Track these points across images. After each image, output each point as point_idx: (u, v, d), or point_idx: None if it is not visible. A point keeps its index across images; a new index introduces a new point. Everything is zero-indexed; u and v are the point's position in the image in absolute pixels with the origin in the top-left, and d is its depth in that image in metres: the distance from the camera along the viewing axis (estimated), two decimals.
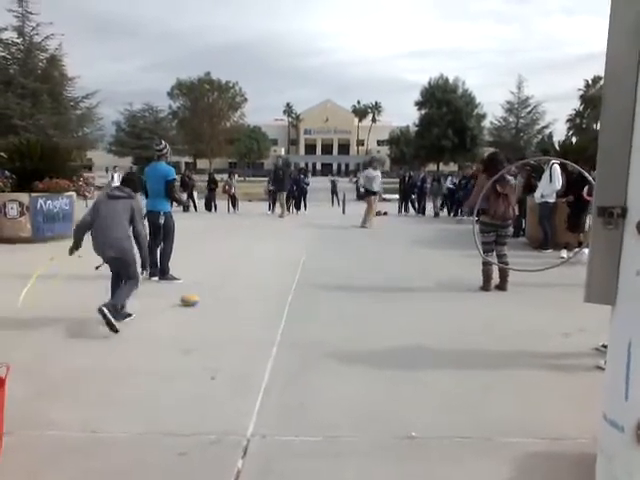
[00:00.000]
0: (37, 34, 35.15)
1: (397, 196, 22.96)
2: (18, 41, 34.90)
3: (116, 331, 4.95)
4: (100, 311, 4.92)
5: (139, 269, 5.59)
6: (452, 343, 5.00)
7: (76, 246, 5.51)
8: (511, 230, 7.36)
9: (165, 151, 7.78)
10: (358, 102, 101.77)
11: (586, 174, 5.88)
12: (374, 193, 15.28)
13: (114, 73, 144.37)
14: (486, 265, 7.17)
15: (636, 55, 2.18)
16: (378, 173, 15.67)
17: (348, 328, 5.44)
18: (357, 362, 4.46)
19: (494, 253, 7.18)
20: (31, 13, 34.69)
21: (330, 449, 3.08)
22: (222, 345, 4.85)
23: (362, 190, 16.06)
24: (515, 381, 4.10)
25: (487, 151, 37.25)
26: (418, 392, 3.88)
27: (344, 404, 3.65)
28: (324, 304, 6.38)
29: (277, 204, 19.83)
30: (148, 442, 3.14)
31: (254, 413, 3.49)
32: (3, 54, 34.75)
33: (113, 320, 4.95)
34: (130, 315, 5.55)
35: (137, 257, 5.53)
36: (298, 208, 21.96)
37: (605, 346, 4.51)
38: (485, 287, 7.19)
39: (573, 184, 10.04)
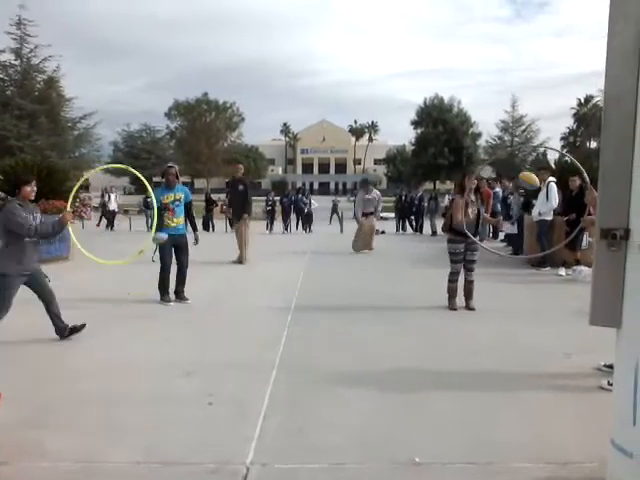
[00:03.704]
0: (35, 56, 35.49)
1: (393, 215, 22.98)
2: (16, 63, 35.20)
3: None
4: None
5: None
6: (452, 364, 4.94)
7: None
8: (477, 255, 7.23)
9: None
10: (355, 122, 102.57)
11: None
12: (368, 214, 13.92)
13: (112, 94, 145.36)
14: (451, 282, 7.21)
15: (635, 76, 2.18)
16: (374, 195, 14.26)
17: (347, 350, 5.37)
18: (358, 385, 4.39)
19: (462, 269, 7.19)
20: (29, 35, 35.05)
21: (333, 477, 3.01)
22: (221, 368, 4.78)
23: (357, 216, 14.13)
24: (518, 403, 4.04)
25: (483, 169, 37.42)
26: (420, 416, 3.82)
27: (346, 429, 3.58)
28: (322, 326, 6.32)
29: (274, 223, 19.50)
30: (146, 472, 3.06)
31: (254, 439, 3.42)
32: (1, 76, 35.02)
33: None
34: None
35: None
36: (304, 228, 22.05)
37: (607, 366, 4.48)
38: (451, 305, 7.20)
39: (573, 202, 10.03)
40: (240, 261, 11.35)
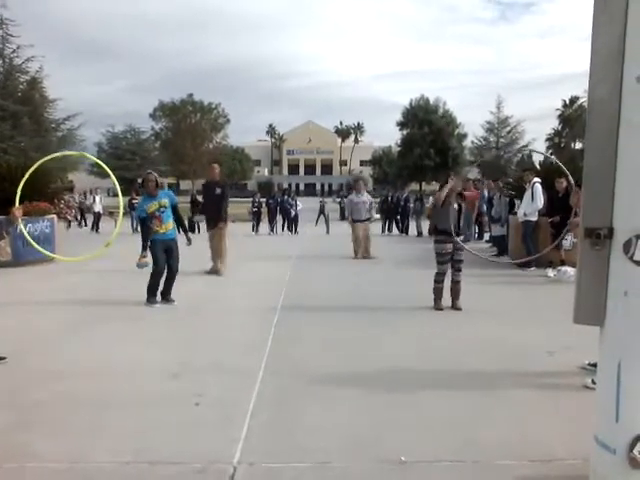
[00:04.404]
0: (17, 56, 35.05)
1: (379, 216, 23.04)
2: None
3: None
4: None
5: None
6: (438, 365, 4.98)
7: None
8: (463, 254, 7.29)
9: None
10: (340, 123, 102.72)
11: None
12: (363, 221, 13.10)
13: (96, 95, 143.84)
14: (437, 283, 7.26)
15: (619, 76, 2.21)
16: (364, 198, 13.39)
17: (334, 352, 5.39)
18: (344, 386, 4.41)
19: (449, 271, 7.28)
20: (11, 35, 34.62)
21: (319, 476, 3.02)
22: (208, 370, 4.77)
23: (348, 218, 13.36)
24: (504, 402, 4.08)
25: (471, 171, 37.61)
26: (406, 415, 3.84)
27: (332, 429, 3.59)
28: (309, 327, 6.33)
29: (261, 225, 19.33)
30: (134, 472, 3.05)
31: (241, 440, 3.42)
32: None
33: None
34: None
35: None
36: (290, 230, 22.04)
37: (591, 364, 4.53)
38: (436, 305, 7.24)
39: (559, 203, 10.13)
40: (215, 272, 10.14)
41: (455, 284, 7.27)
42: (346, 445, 3.37)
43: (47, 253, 6.01)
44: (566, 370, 4.71)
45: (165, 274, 7.54)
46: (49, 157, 6.17)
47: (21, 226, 6.03)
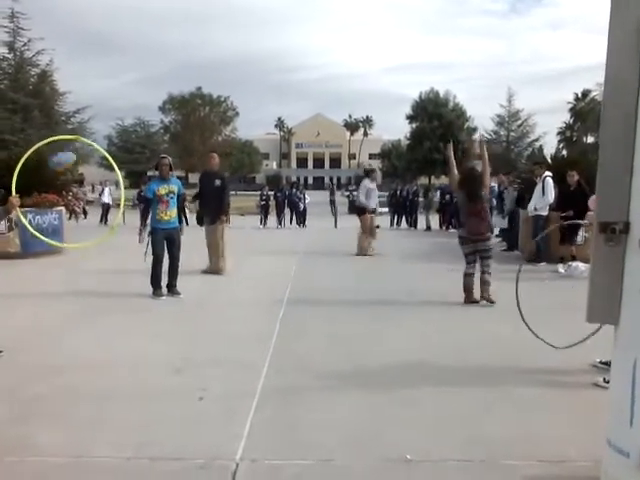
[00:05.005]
0: (28, 49, 35.00)
1: (387, 209, 22.93)
2: (9, 56, 34.77)
3: None
4: None
5: None
6: (445, 360, 4.90)
7: None
8: (490, 244, 7.34)
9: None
10: (349, 116, 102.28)
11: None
12: (372, 211, 12.51)
13: (105, 88, 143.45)
14: (467, 277, 7.16)
15: (637, 68, 2.12)
16: (374, 185, 12.77)
17: (340, 347, 5.32)
18: (349, 382, 4.35)
19: (477, 266, 7.20)
20: (22, 29, 34.53)
21: (322, 473, 2.97)
22: (212, 364, 4.72)
23: (361, 203, 12.42)
24: (512, 399, 4.00)
25: (478, 164, 37.34)
26: (412, 412, 3.77)
27: (336, 426, 3.53)
28: (315, 322, 6.27)
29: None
30: (136, 468, 3.01)
31: (243, 436, 3.37)
32: None
33: None
34: None
35: None
36: (298, 223, 21.97)
37: (603, 362, 4.44)
38: (468, 299, 7.14)
39: (570, 197, 10.00)
40: (216, 272, 9.31)
41: (483, 274, 7.20)
42: (349, 442, 3.31)
43: (50, 242, 5.99)
44: (576, 368, 4.61)
45: (168, 265, 7.52)
46: (45, 142, 6.08)
47: (20, 214, 5.95)
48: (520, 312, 4.72)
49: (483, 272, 7.16)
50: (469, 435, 3.40)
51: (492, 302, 7.04)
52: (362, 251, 12.18)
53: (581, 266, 8.93)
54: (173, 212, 7.50)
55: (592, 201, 4.65)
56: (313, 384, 4.29)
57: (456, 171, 7.39)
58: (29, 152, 5.60)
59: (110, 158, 6.92)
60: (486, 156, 7.45)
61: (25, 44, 34.82)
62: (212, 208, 9.49)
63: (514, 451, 3.19)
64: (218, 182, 9.42)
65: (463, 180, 7.24)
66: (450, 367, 4.72)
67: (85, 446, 3.21)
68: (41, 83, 35.82)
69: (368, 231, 12.35)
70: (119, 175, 6.85)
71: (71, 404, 3.85)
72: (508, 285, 8.47)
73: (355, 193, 22.11)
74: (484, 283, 7.15)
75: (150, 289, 7.37)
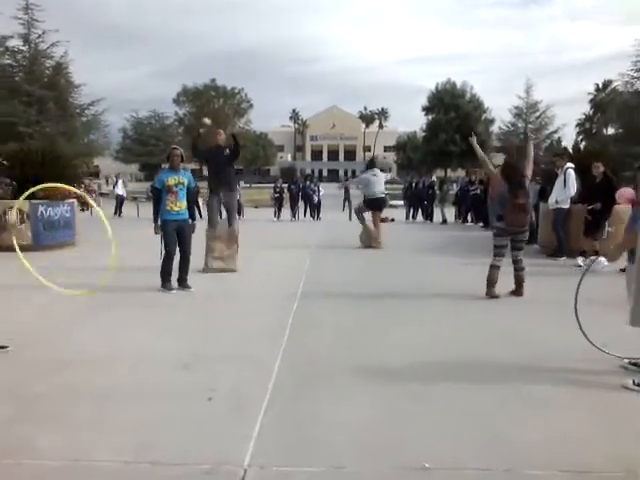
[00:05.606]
0: (43, 41, 35.20)
1: (402, 202, 22.69)
2: (24, 49, 34.97)
3: None
4: None
5: None
6: (461, 357, 4.69)
7: None
8: (527, 235, 7.17)
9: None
10: (365, 108, 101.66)
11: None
12: (379, 207, 12.36)
13: (119, 81, 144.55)
14: (492, 269, 6.96)
15: None
16: (374, 176, 12.40)
17: (353, 343, 5.14)
18: (363, 381, 4.15)
19: (503, 259, 7.02)
20: (37, 21, 34.74)
21: None
22: (222, 360, 4.57)
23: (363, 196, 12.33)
24: (535, 401, 3.77)
25: (495, 157, 36.86)
26: (430, 415, 3.57)
27: (349, 429, 3.34)
28: (328, 317, 6.08)
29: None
30: (136, 473, 2.86)
31: (252, 439, 3.20)
32: (9, 62, 34.86)
33: None
34: None
35: None
36: (312, 216, 21.86)
37: (633, 363, 4.21)
38: (489, 293, 6.94)
39: (597, 190, 9.69)
40: (230, 270, 8.73)
41: (516, 271, 7.10)
42: (362, 445, 3.13)
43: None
44: (603, 368, 4.36)
45: (179, 259, 7.38)
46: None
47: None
48: (576, 315, 4.59)
49: (517, 267, 7.06)
50: (492, 441, 3.18)
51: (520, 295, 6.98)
52: (363, 242, 12.36)
53: (604, 261, 8.64)
54: (183, 204, 7.37)
55: (620, 194, 4.38)
56: (326, 382, 4.11)
57: (490, 163, 7.26)
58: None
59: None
60: (532, 153, 7.47)
61: (40, 36, 35.00)
62: (223, 179, 9.04)
63: (539, 459, 2.96)
64: (227, 151, 9.10)
65: (508, 172, 7.03)
66: (468, 364, 4.50)
67: (83, 449, 3.06)
68: (56, 75, 36.01)
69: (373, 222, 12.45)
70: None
71: (71, 403, 3.70)
72: (529, 278, 8.29)
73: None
74: (519, 279, 7.07)
75: (160, 282, 7.25)
